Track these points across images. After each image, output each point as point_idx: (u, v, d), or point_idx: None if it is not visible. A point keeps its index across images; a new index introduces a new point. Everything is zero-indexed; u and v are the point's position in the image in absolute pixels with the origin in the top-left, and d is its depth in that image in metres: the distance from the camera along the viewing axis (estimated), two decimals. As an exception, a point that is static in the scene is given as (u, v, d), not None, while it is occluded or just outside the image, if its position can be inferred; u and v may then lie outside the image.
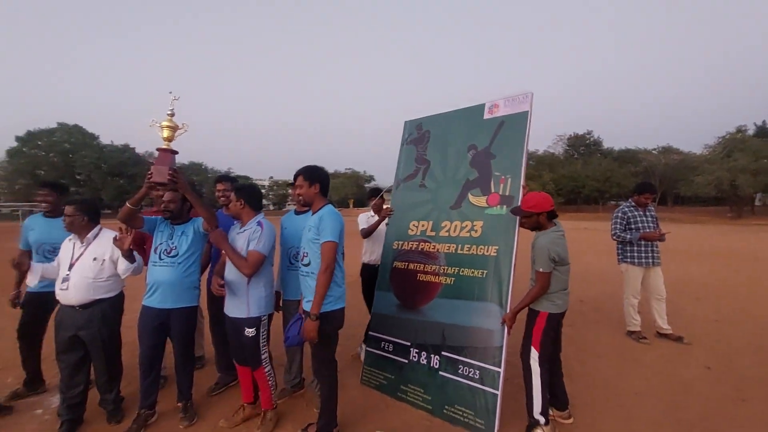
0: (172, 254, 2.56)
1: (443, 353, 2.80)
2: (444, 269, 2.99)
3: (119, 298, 2.67)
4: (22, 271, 2.55)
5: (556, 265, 2.44)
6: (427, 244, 3.16)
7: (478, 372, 2.59)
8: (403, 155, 3.68)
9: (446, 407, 2.65)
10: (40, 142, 45.08)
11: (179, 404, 2.69)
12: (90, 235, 2.56)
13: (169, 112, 2.47)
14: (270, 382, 2.60)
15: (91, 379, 2.65)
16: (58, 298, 2.50)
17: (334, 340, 2.37)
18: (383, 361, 3.12)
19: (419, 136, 3.57)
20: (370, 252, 3.73)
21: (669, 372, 3.43)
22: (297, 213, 2.87)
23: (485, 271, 2.76)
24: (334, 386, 2.37)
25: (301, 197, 2.37)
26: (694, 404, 2.89)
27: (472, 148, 3.11)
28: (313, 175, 2.37)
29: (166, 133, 2.44)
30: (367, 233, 3.70)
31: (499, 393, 2.47)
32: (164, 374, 3.13)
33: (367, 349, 3.28)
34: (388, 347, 3.12)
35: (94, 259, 2.51)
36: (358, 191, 69.06)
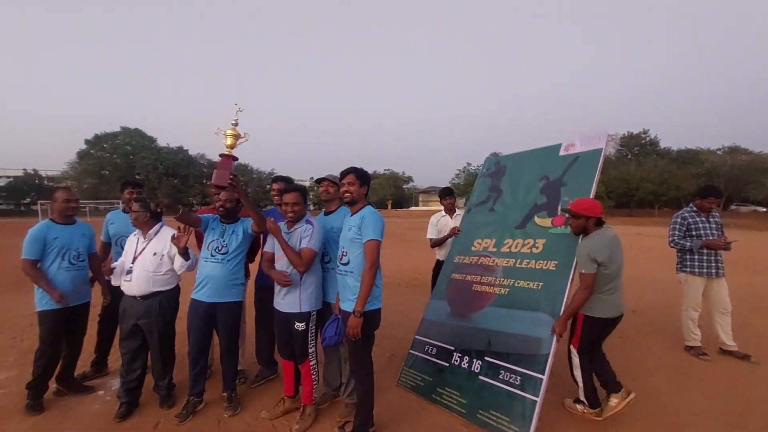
0: (222, 251, 2.71)
1: (486, 358, 2.79)
2: (500, 281, 3.10)
3: (175, 292, 2.87)
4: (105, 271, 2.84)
5: (599, 267, 2.48)
6: (487, 258, 3.33)
7: (519, 378, 2.55)
8: (479, 185, 4.03)
9: (480, 411, 2.61)
10: (105, 145, 49.21)
11: (224, 394, 2.82)
12: (152, 231, 2.78)
13: (233, 122, 2.65)
14: (314, 377, 2.67)
15: (147, 365, 2.85)
16: (122, 288, 2.73)
17: (371, 340, 2.40)
18: (424, 363, 3.15)
19: (497, 170, 3.91)
20: (444, 251, 4.01)
21: (732, 392, 3.13)
22: (326, 213, 2.88)
23: (541, 284, 2.83)
24: (371, 386, 2.40)
25: (349, 195, 2.40)
26: (758, 427, 2.64)
27: (544, 178, 3.31)
28: (364, 176, 2.45)
29: (229, 140, 2.62)
30: (435, 244, 4.07)
31: (538, 400, 2.40)
32: (210, 364, 3.30)
33: (411, 351, 3.32)
34: (431, 350, 3.17)
35: (154, 253, 2.72)
36: (396, 192, 69.14)
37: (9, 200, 51.80)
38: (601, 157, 3.02)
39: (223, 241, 2.73)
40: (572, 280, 2.72)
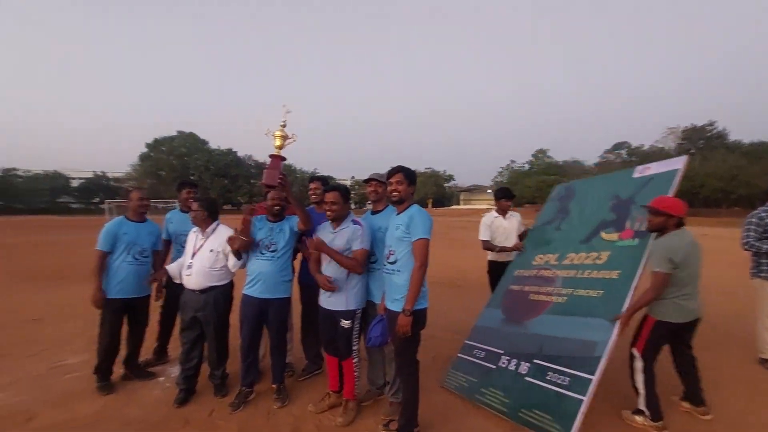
0: (272, 249, 2.80)
1: (535, 361, 2.71)
2: (558, 290, 3.08)
3: (229, 287, 3.01)
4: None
5: (674, 268, 2.35)
6: (547, 271, 3.33)
7: (568, 379, 2.45)
8: (547, 208, 4.06)
9: (523, 410, 2.52)
10: (163, 148, 53.00)
11: (273, 386, 2.92)
12: (209, 229, 2.93)
13: (282, 123, 2.75)
14: (356, 373, 2.70)
15: (204, 355, 3.01)
16: (183, 282, 2.90)
17: (418, 340, 2.37)
18: (470, 365, 3.12)
19: (566, 194, 3.97)
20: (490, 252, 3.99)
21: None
22: (374, 213, 2.86)
23: (602, 291, 2.75)
24: (416, 386, 2.37)
25: (397, 194, 2.39)
26: None
27: (615, 198, 3.28)
28: (412, 175, 2.44)
29: (278, 141, 2.73)
30: (488, 248, 4.05)
31: (585, 399, 2.28)
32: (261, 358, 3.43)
33: (459, 355, 3.30)
34: (479, 354, 3.14)
35: (211, 250, 2.86)
36: (437, 191, 68.46)
37: (81, 200, 57.18)
38: (678, 177, 2.93)
39: (272, 239, 2.82)
40: (635, 288, 2.59)
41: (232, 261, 2.86)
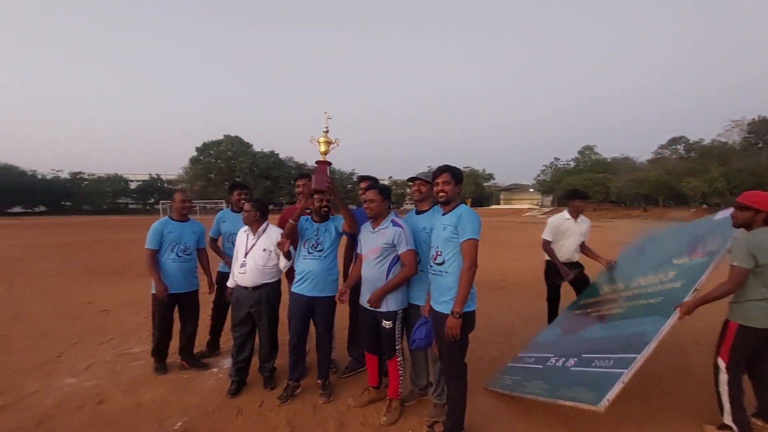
0: (318, 248, 2.88)
1: (583, 355, 2.63)
2: (619, 305, 3.05)
3: (279, 284, 3.14)
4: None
5: (757, 266, 2.18)
6: (612, 295, 3.32)
7: (612, 361, 2.35)
8: (627, 250, 3.97)
9: (561, 389, 2.45)
10: (211, 151, 55.91)
11: (319, 381, 3.00)
12: (261, 229, 3.06)
13: (324, 129, 2.82)
14: (400, 372, 2.71)
15: (254, 349, 3.15)
16: (236, 279, 3.05)
17: (466, 343, 2.33)
18: (519, 369, 3.09)
19: (648, 239, 3.89)
20: (563, 255, 3.86)
21: None
22: (418, 213, 2.82)
23: (661, 298, 2.65)
24: (464, 389, 2.34)
25: (443, 194, 2.36)
26: None
27: (692, 233, 3.22)
28: (459, 175, 2.40)
29: (323, 147, 2.80)
30: (547, 252, 3.91)
31: (626, 371, 2.15)
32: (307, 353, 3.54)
33: (509, 364, 3.26)
34: (530, 360, 3.10)
35: (264, 249, 3.00)
36: (476, 190, 67.03)
37: (138, 200, 61.60)
38: None
39: (318, 239, 2.89)
40: (695, 290, 2.43)
41: (283, 262, 3.00)
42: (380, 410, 2.73)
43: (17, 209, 51.50)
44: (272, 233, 3.04)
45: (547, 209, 51.03)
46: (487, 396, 3.00)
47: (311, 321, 2.97)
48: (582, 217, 3.90)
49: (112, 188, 58.44)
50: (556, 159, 59.04)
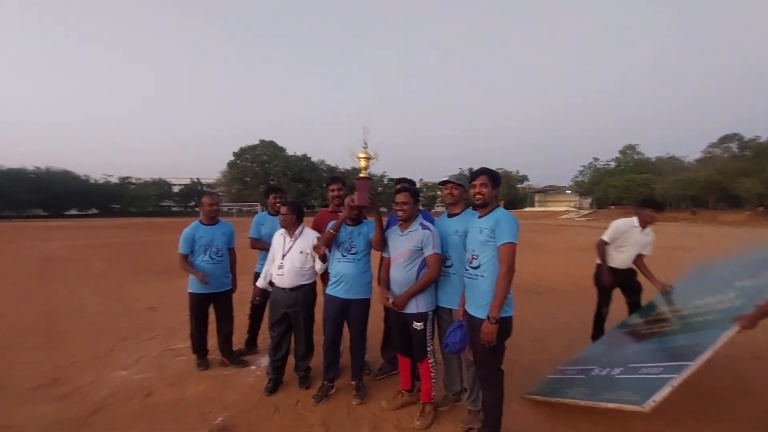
0: (352, 252, 2.92)
1: (630, 365, 2.51)
2: (674, 323, 2.97)
3: (314, 285, 3.21)
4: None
5: None
6: (666, 315, 3.22)
7: (661, 369, 2.22)
8: (686, 278, 3.84)
9: (602, 393, 2.35)
10: (247, 156, 58.02)
11: (353, 382, 3.03)
12: (297, 231, 3.14)
13: (363, 145, 2.87)
14: (432, 375, 2.69)
15: (290, 348, 3.23)
16: (273, 281, 3.14)
17: (502, 349, 2.28)
18: (559, 380, 3.00)
19: (709, 268, 3.77)
20: (612, 258, 3.76)
21: None
22: (450, 216, 2.80)
23: (719, 315, 2.52)
24: (500, 396, 2.29)
25: (480, 197, 2.33)
26: None
27: (759, 259, 3.16)
28: (496, 178, 2.37)
29: (362, 163, 2.84)
30: (600, 254, 3.79)
31: (675, 376, 2.03)
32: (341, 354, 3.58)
33: (549, 376, 3.17)
34: (571, 372, 3.01)
35: (301, 252, 3.07)
36: (509, 192, 65.47)
37: (180, 203, 64.87)
38: None
39: (352, 242, 2.93)
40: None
41: (319, 264, 3.07)
42: (413, 414, 2.72)
43: (72, 211, 55.74)
44: (308, 236, 3.12)
45: (586, 212, 49.02)
46: (524, 404, 2.91)
47: (345, 323, 3.01)
48: (648, 229, 3.67)
49: (157, 192, 61.96)
50: (596, 159, 56.57)
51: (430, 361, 2.69)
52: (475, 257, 2.31)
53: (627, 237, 3.66)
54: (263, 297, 3.32)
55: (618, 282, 3.75)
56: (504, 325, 2.19)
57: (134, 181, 61.78)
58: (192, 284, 3.44)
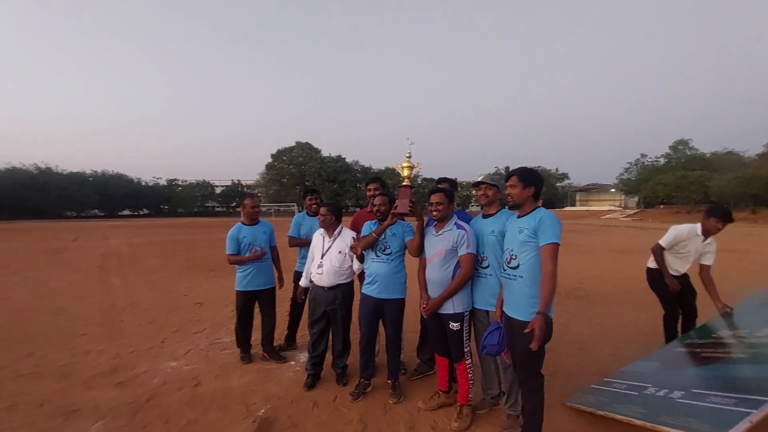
0: (386, 252, 2.95)
1: (693, 390, 2.33)
2: (741, 350, 2.80)
3: (352, 285, 3.29)
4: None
5: None
6: (731, 339, 3.09)
7: (735, 400, 2.04)
8: (752, 301, 3.72)
9: (662, 416, 2.18)
10: (284, 158, 59.77)
11: (389, 381, 3.06)
12: (336, 231, 3.22)
13: (407, 155, 2.95)
14: (470, 377, 2.67)
15: (328, 345, 3.31)
16: (313, 279, 3.24)
17: (543, 352, 2.22)
18: (607, 393, 2.85)
19: None
20: (671, 265, 3.58)
21: None
22: (485, 216, 2.75)
23: None
24: (541, 401, 2.24)
25: (511, 198, 2.32)
26: None
27: None
28: (528, 177, 2.31)
29: (405, 172, 2.93)
30: (659, 259, 3.60)
31: (754, 412, 1.85)
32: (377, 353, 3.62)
33: (593, 386, 3.04)
34: (620, 386, 2.85)
35: (339, 251, 3.15)
36: (548, 191, 63.13)
37: (222, 204, 67.98)
38: None
39: (386, 243, 2.96)
40: None
41: (356, 264, 3.14)
42: (450, 416, 2.71)
43: (126, 212, 60.03)
44: (346, 236, 3.19)
45: (632, 211, 46.34)
46: (565, 411, 2.82)
47: (381, 322, 3.05)
48: (710, 239, 3.45)
49: (201, 193, 65.33)
50: (643, 155, 53.17)
51: (467, 362, 2.67)
52: (513, 257, 2.27)
53: (687, 244, 3.45)
54: (306, 295, 3.43)
55: None
56: (546, 327, 2.13)
57: (181, 183, 65.44)
58: (239, 282, 3.63)
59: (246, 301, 3.65)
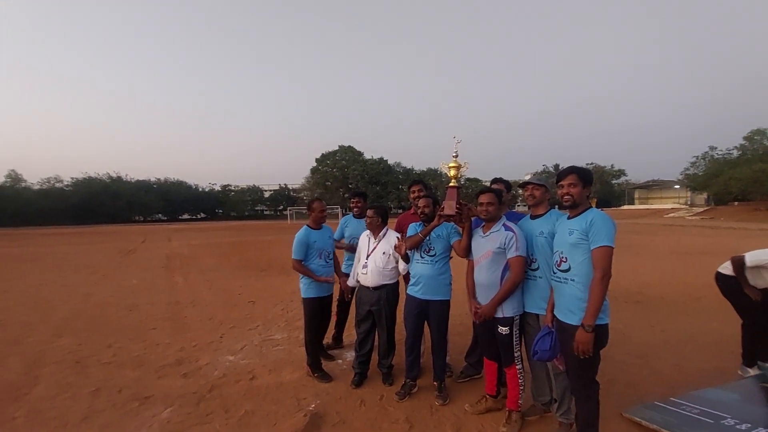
0: (430, 253, 2.96)
1: None
2: None
3: (397, 285, 3.32)
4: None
5: None
6: None
7: None
8: None
9: None
10: (328, 161, 61.25)
11: (435, 383, 3.07)
12: (381, 233, 3.29)
13: (454, 154, 2.91)
14: (520, 382, 2.61)
15: (374, 345, 3.38)
16: (359, 279, 3.32)
17: (597, 359, 2.14)
18: (673, 413, 2.67)
19: None
20: (752, 280, 3.29)
21: None
22: (532, 217, 2.68)
23: None
24: (596, 410, 2.15)
25: (569, 198, 2.21)
26: None
27: None
28: (587, 176, 2.22)
29: (452, 172, 2.89)
30: (736, 272, 3.33)
31: None
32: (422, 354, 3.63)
33: (657, 403, 2.84)
34: (692, 410, 2.67)
35: (384, 253, 3.22)
36: (602, 189, 59.41)
37: (271, 207, 71.03)
38: None
39: (430, 244, 2.97)
40: None
41: (402, 265, 3.18)
42: (498, 420, 2.67)
43: (185, 216, 64.70)
44: (391, 237, 3.25)
45: (700, 209, 42.39)
46: (623, 422, 2.66)
47: (427, 323, 3.06)
48: None
49: (251, 197, 68.70)
50: (712, 148, 48.32)
51: (517, 366, 2.61)
52: (564, 260, 2.20)
53: None
54: (353, 295, 3.51)
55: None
56: (600, 334, 2.04)
57: (233, 188, 69.31)
58: (309, 289, 3.42)
59: (320, 308, 3.48)
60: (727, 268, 3.41)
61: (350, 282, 3.48)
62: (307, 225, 3.56)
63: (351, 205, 4.04)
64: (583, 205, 2.22)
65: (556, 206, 2.72)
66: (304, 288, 3.46)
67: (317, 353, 3.52)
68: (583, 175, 2.20)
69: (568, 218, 2.27)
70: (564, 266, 2.19)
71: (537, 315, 2.56)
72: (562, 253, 2.22)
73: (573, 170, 2.21)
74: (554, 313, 2.30)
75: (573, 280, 2.13)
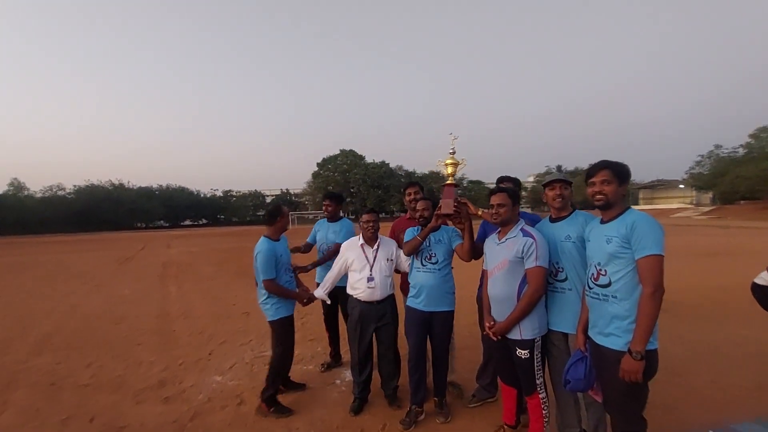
0: (432, 260, 2.64)
1: None
2: None
3: (394, 295, 3.00)
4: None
5: None
6: None
7: None
8: None
9: None
10: (329, 166, 61.04)
11: (435, 399, 2.77)
12: (378, 241, 2.94)
13: (450, 151, 2.72)
14: (544, 413, 2.25)
15: (374, 365, 3.01)
16: (360, 297, 2.86)
17: (646, 391, 1.76)
18: None
19: None
20: None
21: None
22: (553, 220, 2.35)
23: None
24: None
25: (602, 197, 1.85)
26: None
27: None
28: (624, 172, 1.84)
29: (449, 169, 2.70)
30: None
31: None
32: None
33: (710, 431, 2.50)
34: None
35: (387, 259, 2.89)
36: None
37: (273, 213, 71.03)
38: None
39: (431, 251, 2.66)
40: None
41: (404, 258, 2.90)
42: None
43: (187, 222, 64.58)
44: (387, 241, 3.00)
45: (707, 209, 41.82)
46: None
47: (429, 337, 2.72)
48: None
49: (253, 203, 68.55)
50: (717, 147, 47.70)
51: (541, 395, 2.24)
52: (602, 273, 1.82)
53: None
54: (310, 302, 3.17)
55: None
56: (649, 361, 1.68)
57: (235, 193, 69.16)
58: (281, 309, 3.02)
59: (291, 327, 3.09)
60: (763, 279, 3.03)
61: (319, 293, 3.11)
62: (267, 236, 3.09)
63: (323, 208, 3.76)
64: (618, 206, 1.85)
65: (579, 207, 2.37)
66: (273, 310, 2.97)
67: (278, 385, 3.05)
68: (619, 171, 1.83)
69: (602, 222, 1.91)
70: (602, 280, 1.82)
71: (565, 334, 2.19)
72: (599, 264, 1.84)
73: (606, 165, 1.85)
74: (588, 334, 1.93)
75: (615, 297, 1.76)
